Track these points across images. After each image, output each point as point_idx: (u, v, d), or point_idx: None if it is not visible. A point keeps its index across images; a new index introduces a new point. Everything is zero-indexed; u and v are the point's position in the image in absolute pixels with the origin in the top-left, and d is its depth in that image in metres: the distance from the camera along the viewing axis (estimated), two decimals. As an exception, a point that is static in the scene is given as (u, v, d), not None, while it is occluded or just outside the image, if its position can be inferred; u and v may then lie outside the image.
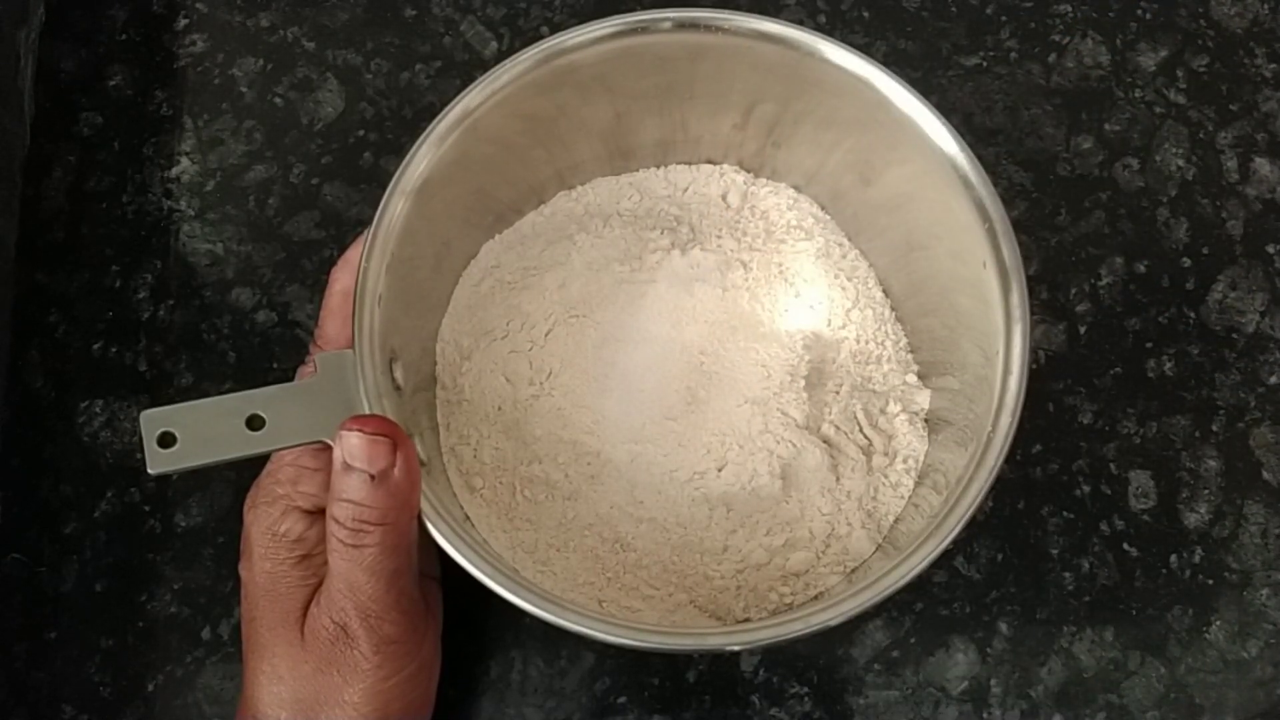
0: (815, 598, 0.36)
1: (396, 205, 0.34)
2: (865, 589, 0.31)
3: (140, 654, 0.40)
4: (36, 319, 0.43)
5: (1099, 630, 0.40)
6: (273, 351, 0.42)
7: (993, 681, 0.39)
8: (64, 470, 0.41)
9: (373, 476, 0.31)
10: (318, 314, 0.35)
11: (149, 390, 0.42)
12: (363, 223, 0.44)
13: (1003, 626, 0.40)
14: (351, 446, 0.31)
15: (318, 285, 0.43)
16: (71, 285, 0.43)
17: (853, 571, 0.36)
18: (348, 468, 0.31)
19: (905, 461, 0.37)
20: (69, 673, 0.39)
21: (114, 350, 0.43)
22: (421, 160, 0.35)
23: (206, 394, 0.42)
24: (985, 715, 0.39)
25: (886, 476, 0.37)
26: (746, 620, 0.36)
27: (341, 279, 0.34)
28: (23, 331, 0.42)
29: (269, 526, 0.33)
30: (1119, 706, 0.39)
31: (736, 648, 0.34)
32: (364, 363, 0.33)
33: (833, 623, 0.31)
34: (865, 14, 0.46)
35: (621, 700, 0.39)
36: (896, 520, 0.36)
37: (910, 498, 0.37)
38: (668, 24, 0.36)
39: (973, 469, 0.32)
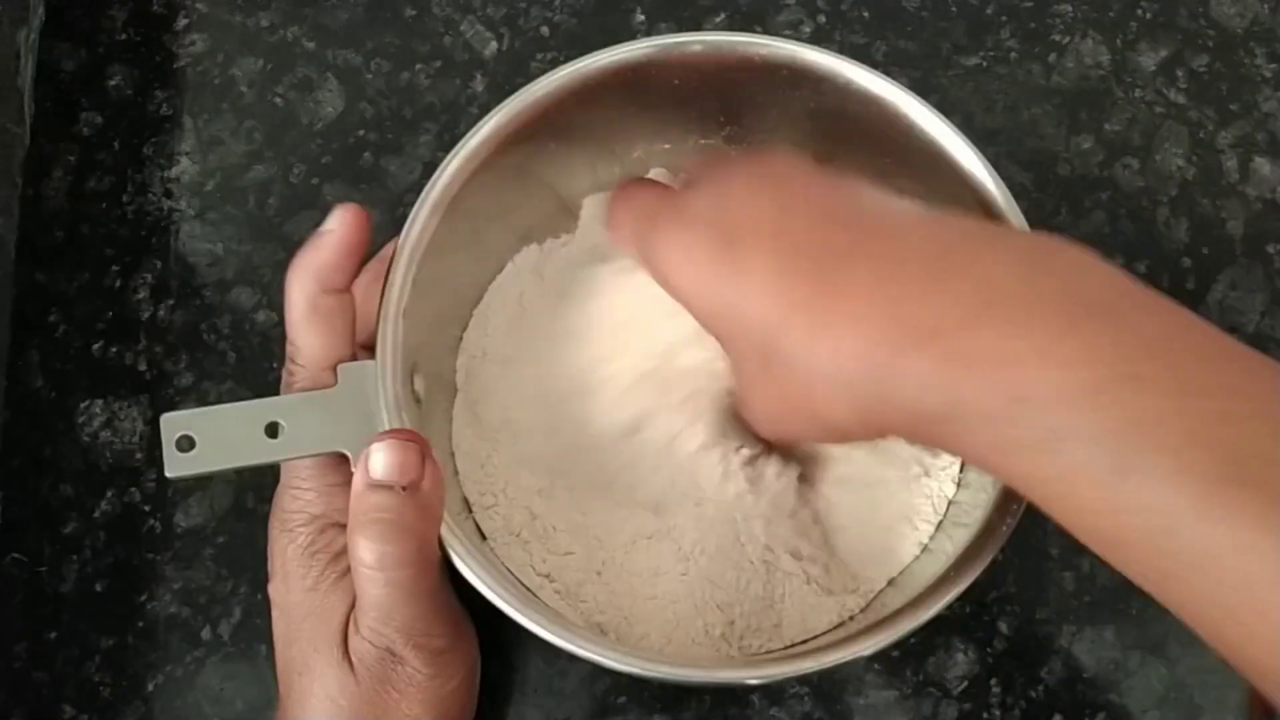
0: (837, 627, 0.36)
1: (424, 219, 0.34)
2: (884, 627, 0.31)
3: (140, 654, 0.40)
4: (36, 319, 0.43)
5: (1099, 630, 0.40)
6: (273, 351, 0.42)
7: (993, 681, 0.39)
8: (64, 470, 0.41)
9: (404, 489, 0.30)
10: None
11: (149, 390, 0.42)
12: (363, 223, 0.44)
13: (1003, 626, 0.40)
14: (381, 459, 0.30)
15: (318, 285, 0.43)
16: (71, 285, 0.43)
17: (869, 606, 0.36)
18: (374, 486, 0.30)
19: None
20: (69, 673, 0.39)
21: (114, 350, 0.43)
22: (452, 174, 0.35)
23: (206, 394, 0.42)
24: (985, 715, 0.39)
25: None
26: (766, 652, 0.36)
27: (301, 285, 0.33)
28: (23, 331, 0.42)
29: (305, 545, 0.33)
30: (1119, 706, 0.39)
31: (754, 681, 0.34)
32: (386, 374, 0.33)
33: (844, 659, 0.31)
34: (865, 14, 0.46)
35: (621, 700, 0.39)
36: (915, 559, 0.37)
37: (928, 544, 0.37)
38: (697, 46, 0.36)
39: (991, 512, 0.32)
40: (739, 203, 0.29)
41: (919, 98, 0.35)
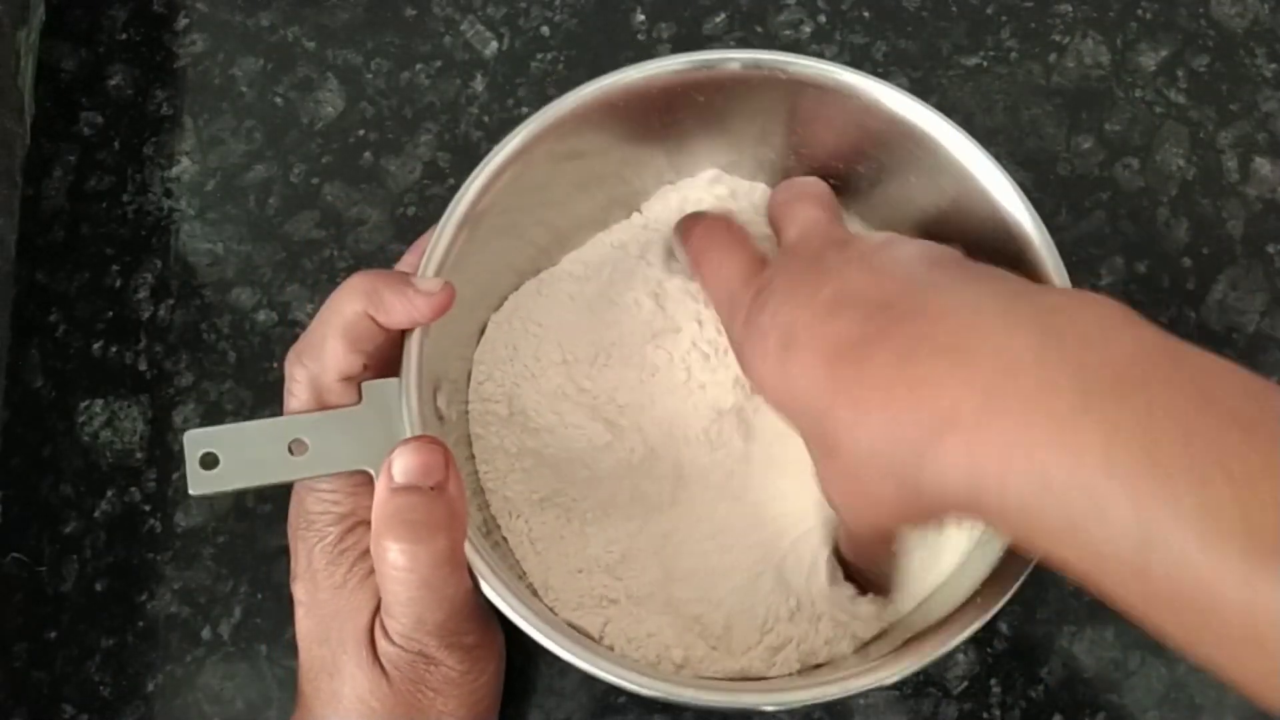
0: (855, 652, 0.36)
1: (450, 233, 0.34)
2: (909, 653, 0.31)
3: (140, 654, 0.40)
4: (36, 319, 0.43)
5: (1099, 630, 0.40)
6: (273, 351, 0.42)
7: (993, 681, 0.39)
8: (64, 470, 0.41)
9: (431, 489, 0.30)
10: (317, 314, 0.34)
11: (149, 390, 0.42)
12: (363, 223, 0.44)
13: (1003, 626, 0.40)
14: (404, 462, 0.30)
15: (318, 285, 0.43)
16: (71, 285, 0.43)
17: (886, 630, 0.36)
18: (401, 490, 0.30)
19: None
20: (69, 673, 0.39)
21: (114, 350, 0.43)
22: (476, 192, 0.34)
23: (206, 394, 0.42)
24: (985, 715, 0.39)
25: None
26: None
27: (354, 302, 0.32)
28: (23, 331, 0.42)
29: (334, 544, 0.33)
30: (1119, 706, 0.39)
31: (771, 708, 0.34)
32: (410, 392, 0.32)
33: (867, 687, 0.31)
34: (865, 14, 0.46)
35: (621, 700, 0.39)
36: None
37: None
38: (735, 64, 0.36)
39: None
40: (795, 309, 0.31)
41: (947, 118, 0.35)
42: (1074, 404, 0.24)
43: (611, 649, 0.35)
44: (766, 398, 0.33)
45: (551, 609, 0.35)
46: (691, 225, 0.37)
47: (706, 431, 0.37)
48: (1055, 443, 0.24)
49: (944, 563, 0.36)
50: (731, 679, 0.34)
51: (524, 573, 0.36)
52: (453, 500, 0.31)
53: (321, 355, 0.33)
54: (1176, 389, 0.24)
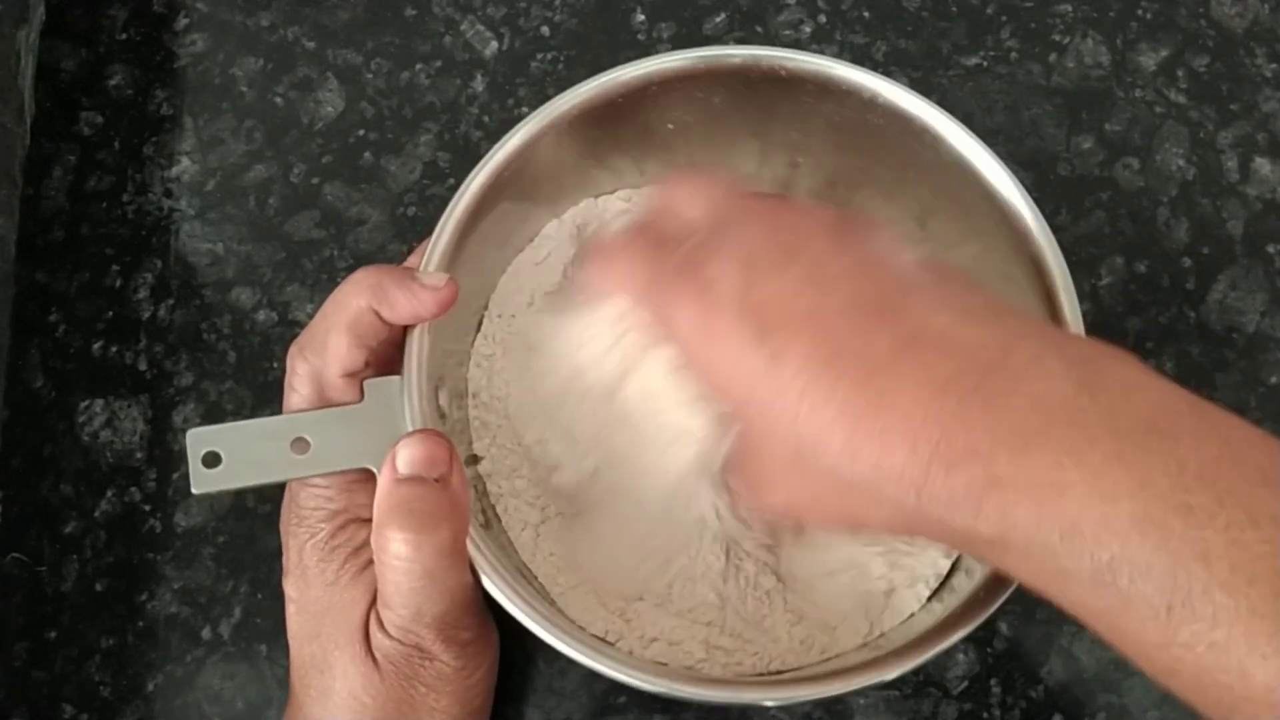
0: (861, 646, 0.36)
1: (450, 234, 0.34)
2: (911, 650, 0.31)
3: (140, 654, 0.40)
4: (36, 319, 0.43)
5: (1099, 630, 0.40)
6: (273, 351, 0.42)
7: (993, 681, 0.39)
8: (64, 470, 0.41)
9: (436, 480, 0.31)
10: (321, 308, 0.34)
11: (149, 390, 0.42)
12: (363, 223, 0.44)
13: (1003, 626, 0.40)
14: (408, 454, 0.31)
15: (318, 285, 0.43)
16: (71, 285, 0.43)
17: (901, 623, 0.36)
18: (403, 480, 0.30)
19: None
20: (69, 673, 0.39)
21: (114, 350, 0.43)
22: (476, 190, 0.34)
23: (206, 394, 0.42)
24: (985, 715, 0.39)
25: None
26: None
27: (359, 296, 0.33)
28: (23, 331, 0.42)
29: (325, 540, 0.33)
30: (1119, 706, 0.39)
31: (771, 704, 0.34)
32: (412, 390, 0.32)
33: (869, 683, 0.31)
34: (865, 14, 0.46)
35: (621, 700, 0.39)
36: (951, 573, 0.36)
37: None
38: (734, 60, 0.36)
39: None
40: (769, 281, 0.27)
41: (948, 114, 0.35)
42: (1108, 452, 0.24)
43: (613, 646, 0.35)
44: (713, 382, 0.29)
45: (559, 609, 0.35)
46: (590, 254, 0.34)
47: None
48: (1088, 490, 0.24)
49: (939, 564, 0.36)
50: (744, 676, 0.35)
51: (532, 573, 0.36)
52: (456, 492, 0.31)
53: (325, 350, 0.33)
54: (1205, 443, 0.24)
